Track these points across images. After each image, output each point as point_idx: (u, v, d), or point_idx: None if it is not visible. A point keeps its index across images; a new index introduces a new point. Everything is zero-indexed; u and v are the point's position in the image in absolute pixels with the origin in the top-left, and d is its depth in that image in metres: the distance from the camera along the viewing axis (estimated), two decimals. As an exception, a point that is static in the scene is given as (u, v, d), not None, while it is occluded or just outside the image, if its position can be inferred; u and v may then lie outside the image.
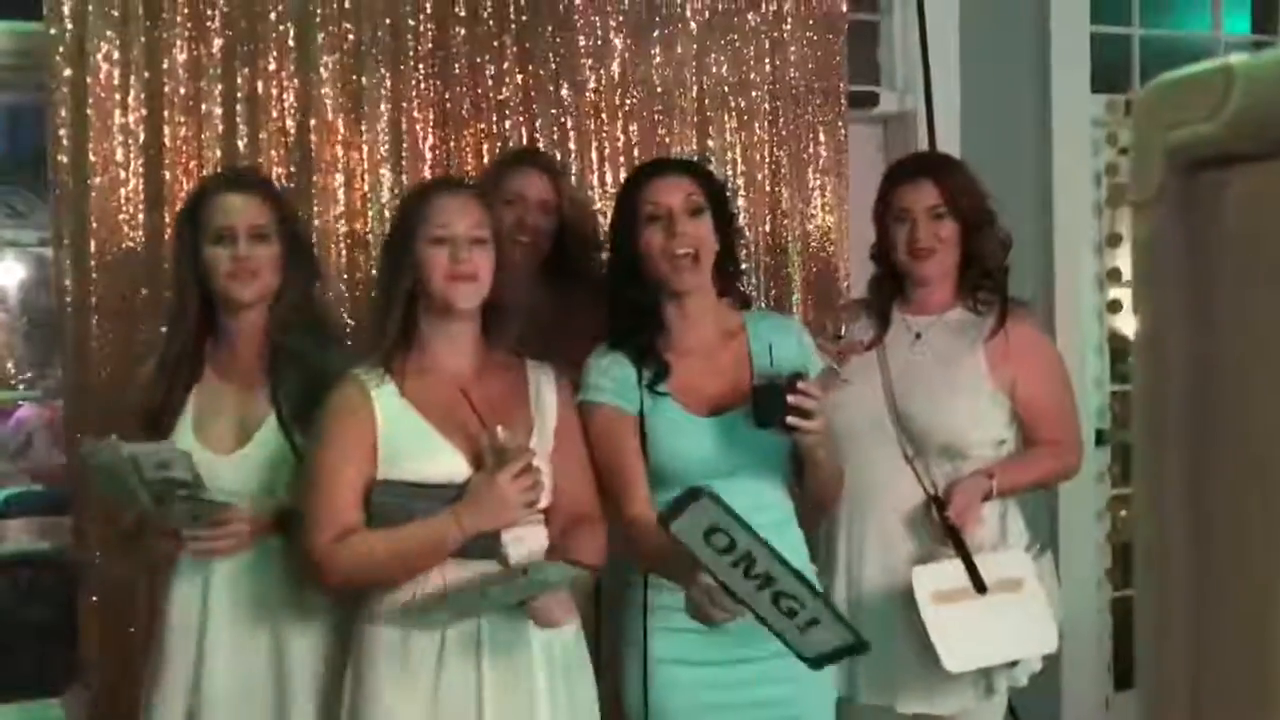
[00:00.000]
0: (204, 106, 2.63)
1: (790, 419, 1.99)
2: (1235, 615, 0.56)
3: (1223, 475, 0.56)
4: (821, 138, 3.17)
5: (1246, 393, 0.55)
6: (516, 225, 2.45)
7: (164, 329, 2.58)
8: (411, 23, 2.77)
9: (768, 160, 3.11)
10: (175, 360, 2.13)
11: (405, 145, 2.78)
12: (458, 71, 2.82)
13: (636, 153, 2.97)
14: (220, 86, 2.64)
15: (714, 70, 3.06)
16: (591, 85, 2.94)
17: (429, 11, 2.78)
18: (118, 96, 2.57)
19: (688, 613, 1.94)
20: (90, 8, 2.53)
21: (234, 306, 2.11)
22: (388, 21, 2.75)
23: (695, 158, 2.82)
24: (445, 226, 1.97)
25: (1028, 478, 2.41)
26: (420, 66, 2.80)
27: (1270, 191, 0.55)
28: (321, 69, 2.71)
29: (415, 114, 2.79)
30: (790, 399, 1.98)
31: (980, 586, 2.24)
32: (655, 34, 2.99)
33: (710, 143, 3.06)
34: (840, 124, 3.19)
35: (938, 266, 2.39)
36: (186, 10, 2.61)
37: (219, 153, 2.64)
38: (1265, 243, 0.55)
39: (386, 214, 2.70)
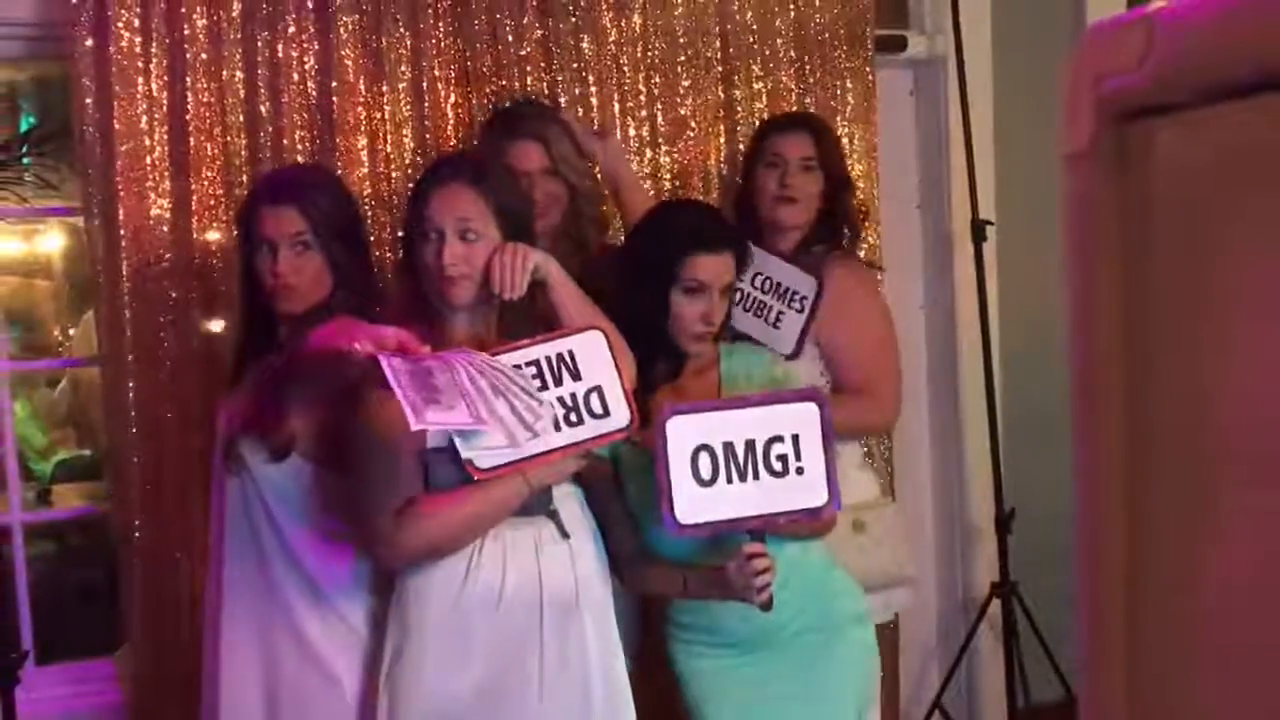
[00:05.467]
0: (225, 72, 2.64)
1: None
2: (1168, 572, 0.56)
3: (1156, 429, 0.55)
4: (849, 84, 3.12)
5: (1177, 341, 0.54)
6: None
7: (194, 295, 2.65)
8: (430, -20, 2.76)
9: (794, 109, 3.06)
10: (239, 357, 2.20)
11: (427, 104, 2.77)
12: (477, 28, 2.79)
13: (659, 106, 2.94)
14: (241, 51, 2.64)
15: (737, 18, 3.01)
16: (613, 38, 2.90)
17: (447, -31, 2.77)
18: (140, 64, 2.58)
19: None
20: (110, -24, 2.54)
21: (283, 317, 2.12)
22: (406, -20, 2.73)
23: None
24: (430, 220, 1.95)
25: None
26: (440, 25, 2.78)
27: (1197, 139, 0.54)
28: (341, 30, 2.70)
29: (436, 73, 2.78)
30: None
31: None
32: (677, -18, 2.95)
33: (736, 92, 3.03)
34: (868, 70, 3.13)
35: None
36: (204, -25, 2.61)
37: (242, 117, 2.65)
38: (1192, 190, 0.54)
39: (410, 174, 2.70)
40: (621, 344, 1.98)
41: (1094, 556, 0.58)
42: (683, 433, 1.91)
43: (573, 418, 1.89)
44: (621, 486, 2.13)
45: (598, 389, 1.90)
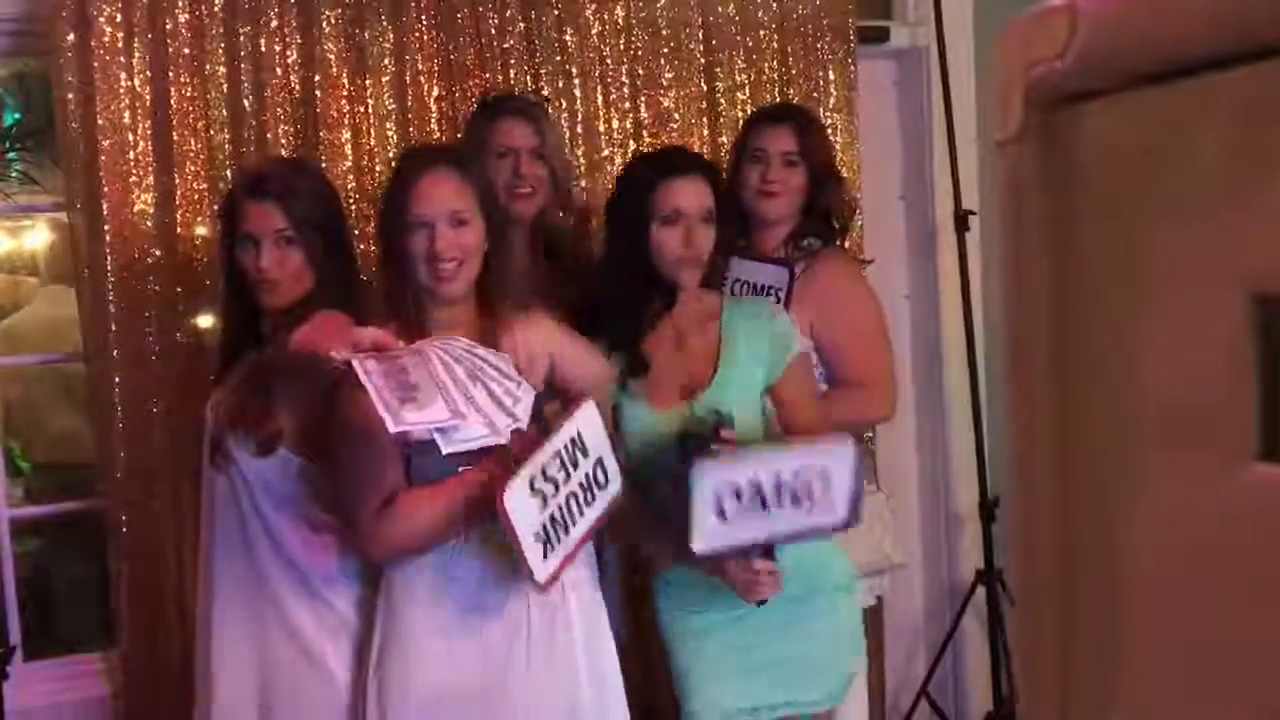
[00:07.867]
0: (208, 66, 2.64)
1: None
2: (1094, 526, 0.58)
3: (1082, 398, 0.57)
4: (832, 75, 3.13)
5: (1101, 312, 0.56)
6: (514, 177, 2.42)
7: (179, 289, 2.66)
8: (412, -26, 2.76)
9: (777, 100, 3.08)
10: (225, 351, 2.20)
11: (410, 98, 2.77)
12: (460, 22, 2.80)
13: (643, 98, 2.95)
14: (223, 45, 2.65)
15: (720, 10, 3.02)
16: (595, 30, 2.91)
17: (429, -38, 2.77)
18: (122, 59, 2.58)
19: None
20: (90, -29, 2.54)
21: (267, 311, 2.13)
22: (388, -27, 2.74)
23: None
24: (419, 211, 1.95)
25: None
26: (423, 18, 2.79)
27: (1118, 123, 0.56)
28: (324, 24, 2.71)
29: (419, 66, 2.78)
30: (714, 446, 1.98)
31: None
32: (659, -26, 2.95)
33: (719, 84, 3.04)
34: (850, 61, 3.15)
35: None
36: (186, -30, 2.61)
37: (225, 112, 2.65)
38: (1115, 172, 0.56)
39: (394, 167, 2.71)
40: (594, 354, 2.01)
41: (1027, 525, 0.60)
42: (713, 478, 1.90)
43: (588, 497, 1.89)
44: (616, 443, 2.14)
45: (600, 460, 1.92)
